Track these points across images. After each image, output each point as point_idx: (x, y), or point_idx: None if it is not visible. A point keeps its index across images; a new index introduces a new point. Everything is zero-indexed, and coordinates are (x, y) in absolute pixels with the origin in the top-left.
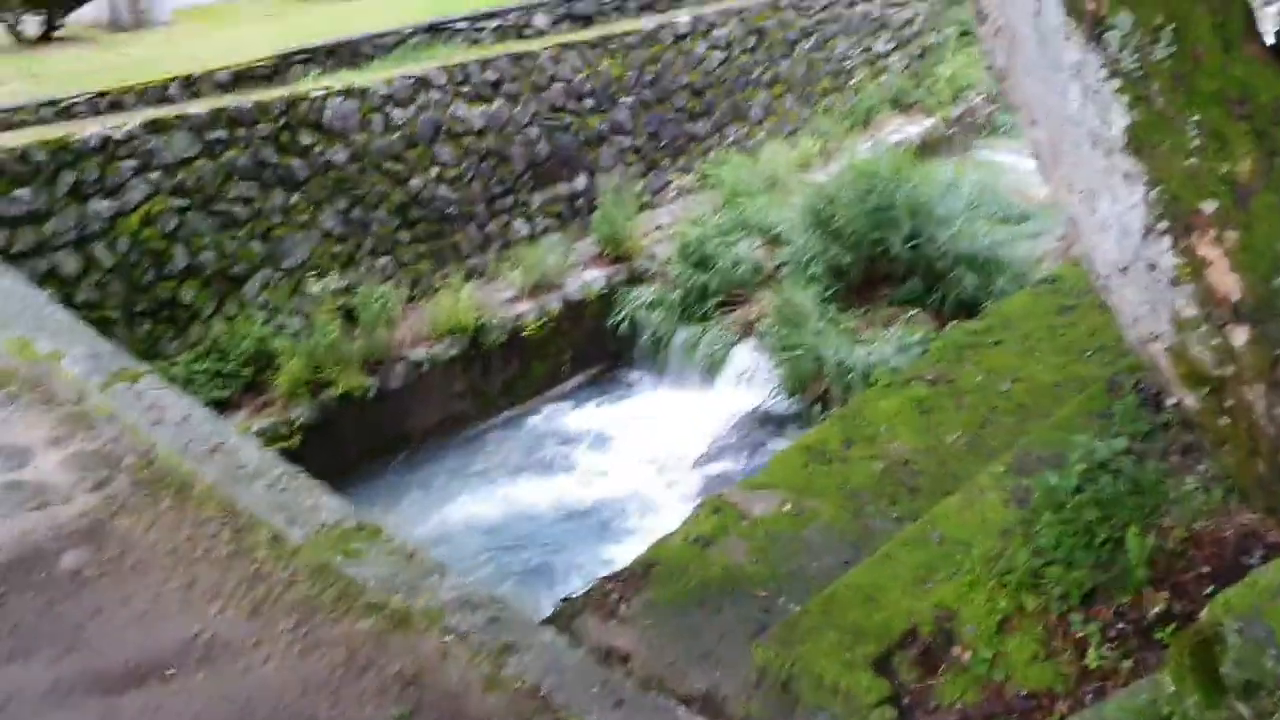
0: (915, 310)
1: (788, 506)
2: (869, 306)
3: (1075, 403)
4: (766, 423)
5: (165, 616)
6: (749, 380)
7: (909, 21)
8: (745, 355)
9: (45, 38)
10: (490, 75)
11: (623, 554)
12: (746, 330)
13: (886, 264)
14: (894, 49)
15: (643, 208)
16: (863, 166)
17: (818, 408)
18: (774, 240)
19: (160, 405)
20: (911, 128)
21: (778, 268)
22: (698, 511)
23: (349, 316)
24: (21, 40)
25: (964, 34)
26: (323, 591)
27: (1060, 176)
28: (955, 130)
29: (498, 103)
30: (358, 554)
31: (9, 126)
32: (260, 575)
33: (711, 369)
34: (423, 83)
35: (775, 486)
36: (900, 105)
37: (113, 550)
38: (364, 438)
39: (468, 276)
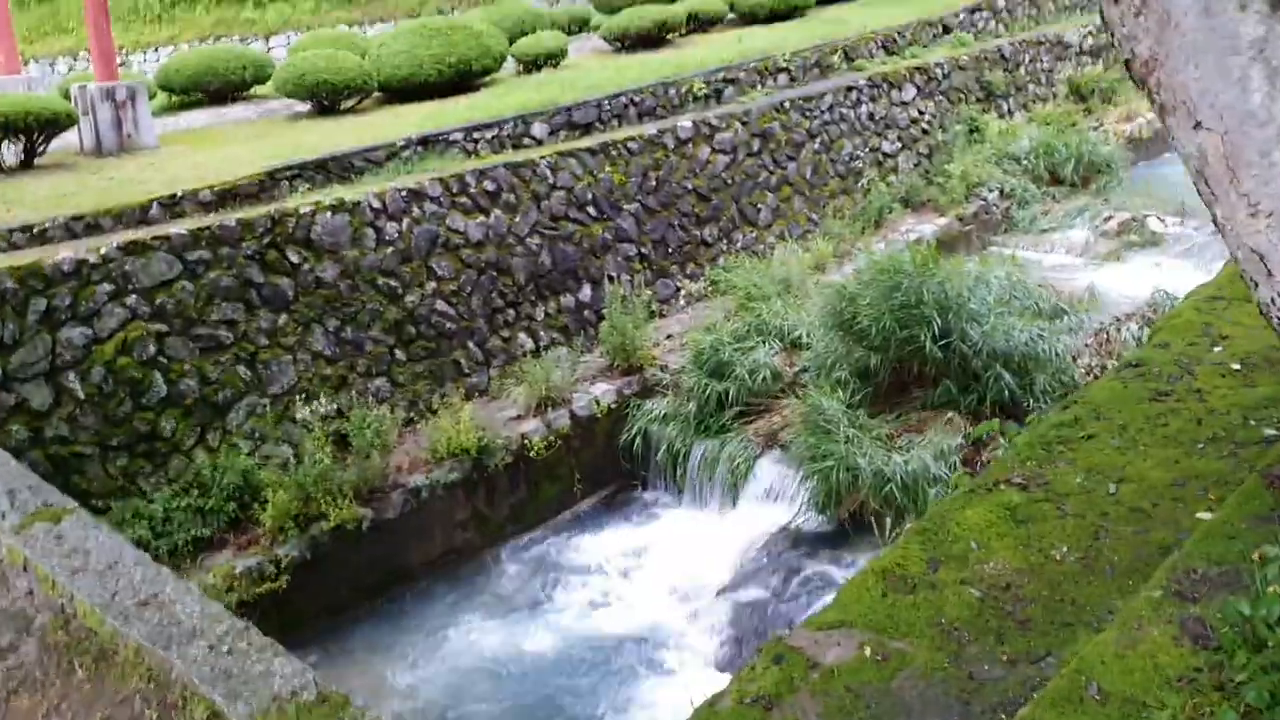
0: (951, 413)
1: (868, 651)
2: (900, 410)
3: (1230, 504)
4: (798, 543)
5: None
6: (775, 496)
7: (914, 120)
8: (769, 469)
9: (25, 165)
10: (488, 185)
11: (647, 696)
12: (770, 441)
13: (916, 365)
14: (901, 148)
15: (652, 316)
16: (885, 263)
17: (854, 524)
18: (793, 345)
19: (84, 550)
20: (925, 226)
21: (798, 374)
22: (755, 661)
23: (341, 443)
24: (1, 169)
25: (972, 131)
26: None
27: (1239, 196)
28: (971, 227)
29: (496, 213)
30: None
31: None
32: None
33: (733, 485)
34: (417, 195)
35: (850, 625)
36: (911, 204)
37: None
38: (358, 574)
39: (468, 395)
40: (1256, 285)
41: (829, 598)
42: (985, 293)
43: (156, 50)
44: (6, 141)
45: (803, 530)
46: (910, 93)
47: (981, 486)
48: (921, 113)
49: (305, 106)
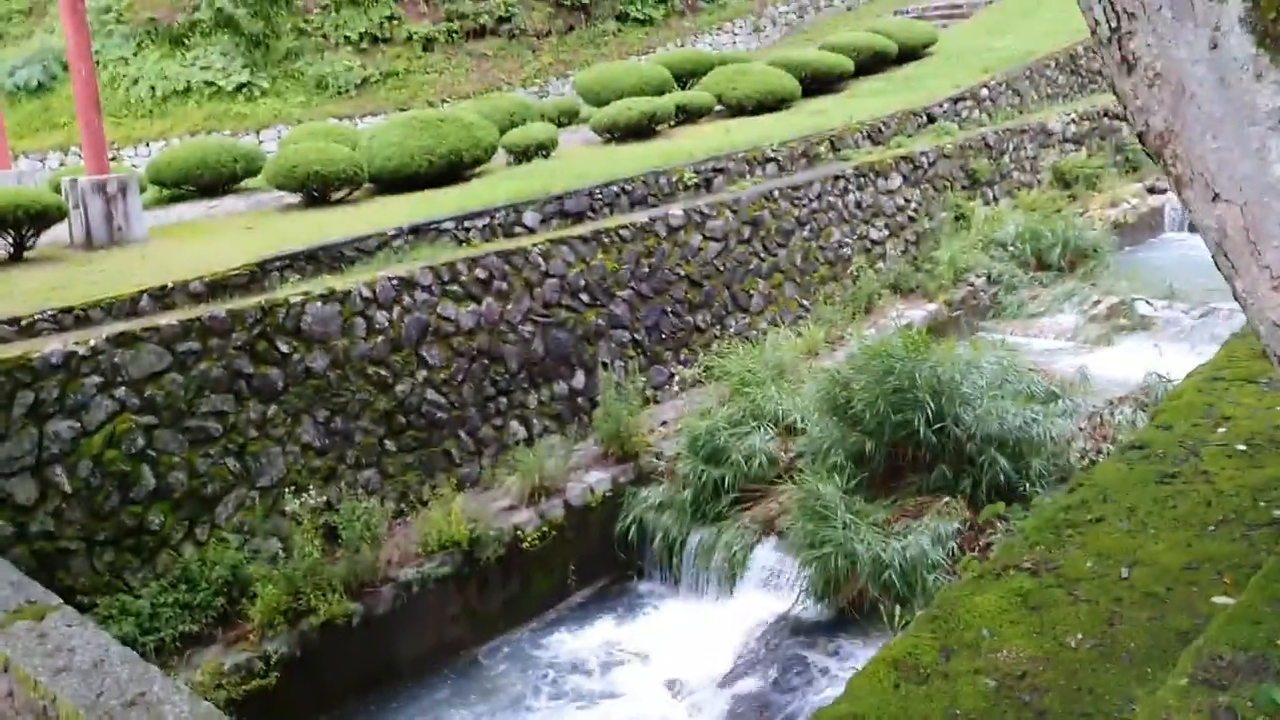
0: (947, 498)
1: None
2: (896, 495)
3: (1252, 587)
4: (797, 631)
5: None
6: (773, 584)
7: (901, 208)
8: (767, 556)
9: (14, 258)
10: (479, 273)
11: None
12: (767, 528)
13: (911, 449)
14: (889, 235)
15: (646, 403)
16: (878, 347)
17: (854, 611)
18: (788, 430)
19: (68, 648)
20: (914, 312)
21: (794, 459)
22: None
23: (331, 535)
24: None
25: (958, 218)
26: None
27: (1260, 268)
28: (960, 313)
29: (488, 301)
30: None
31: None
32: None
33: (731, 573)
34: (407, 283)
35: (863, 717)
36: (900, 290)
37: None
38: (348, 670)
39: (460, 486)
40: (1279, 359)
41: (830, 689)
42: (978, 376)
43: (148, 145)
44: None
45: (801, 619)
46: (896, 181)
47: (990, 572)
48: (908, 200)
49: (296, 198)
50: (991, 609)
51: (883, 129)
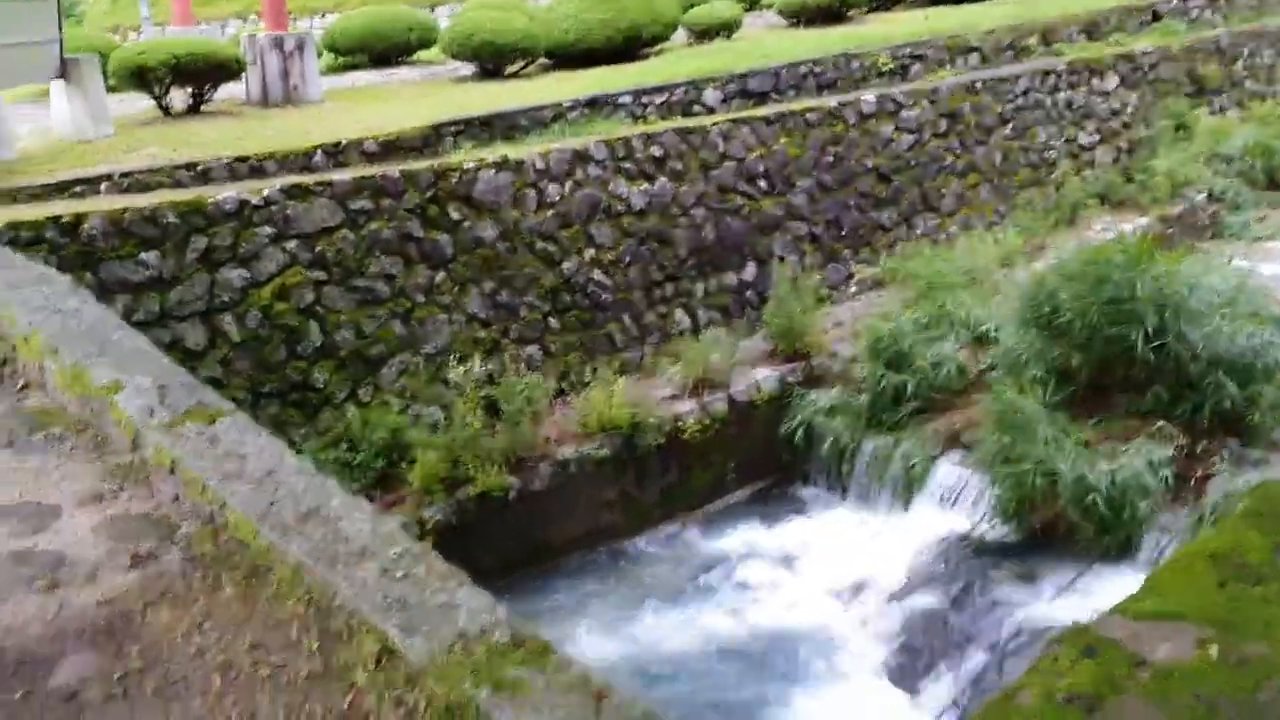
0: (1160, 423)
1: (1214, 651)
2: (1101, 416)
3: None
4: (981, 551)
5: None
6: (954, 501)
7: (1116, 112)
8: (949, 471)
9: (193, 110)
10: (655, 151)
11: (809, 702)
12: (951, 441)
13: (1123, 367)
14: (1100, 141)
15: (820, 301)
16: (1094, 253)
17: (1045, 536)
18: (978, 340)
19: (240, 454)
20: (1124, 225)
21: (984, 371)
22: (1055, 651)
23: (491, 409)
24: (169, 113)
25: (1179, 128)
26: None
27: None
28: (1174, 230)
29: (661, 181)
30: (516, 687)
31: (143, 188)
32: (356, 715)
33: (907, 486)
34: (581, 156)
35: (1181, 617)
36: (1109, 201)
37: (134, 661)
38: (501, 545)
39: (621, 370)
40: None
41: (1020, 611)
42: (1206, 293)
43: (324, 16)
44: (175, 87)
45: (986, 538)
46: (1113, 82)
47: None
48: (1124, 104)
49: (469, 70)
50: None
51: (1101, 24)
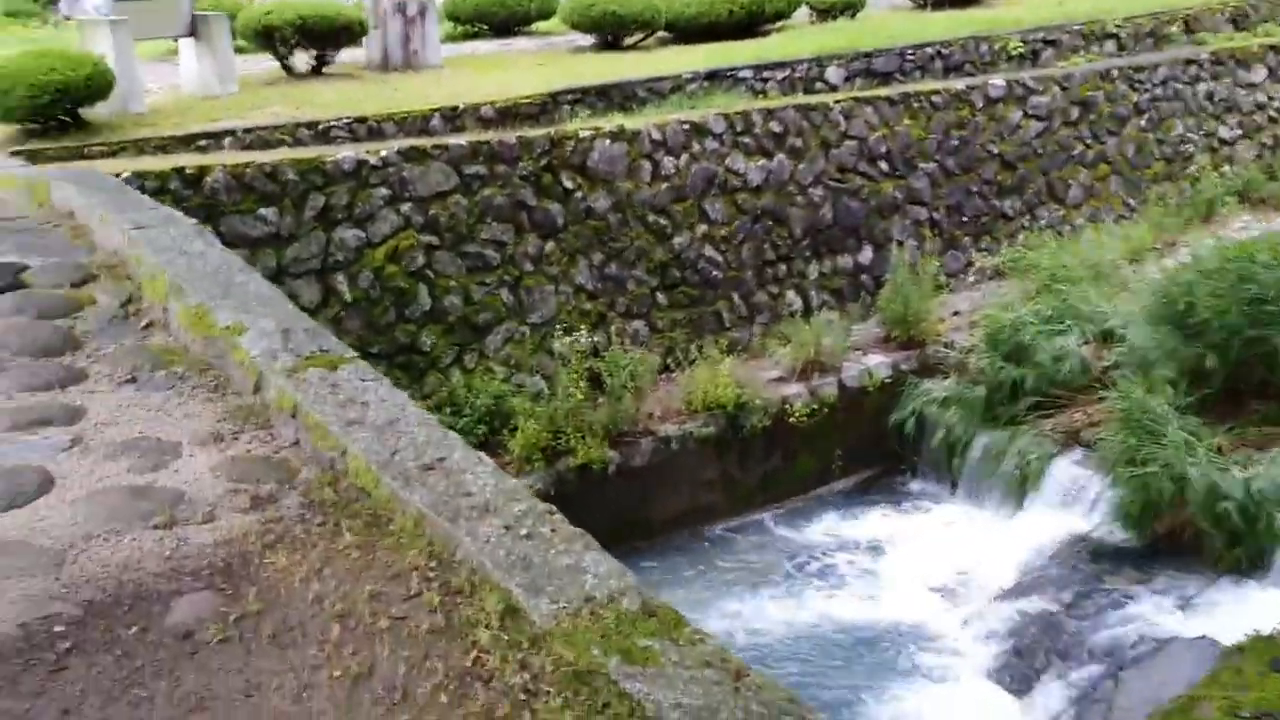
0: None
1: None
2: (1235, 422)
3: None
4: (1099, 556)
5: None
6: (1072, 501)
7: (1261, 106)
8: (1068, 470)
9: (315, 72)
10: (774, 126)
11: (910, 701)
12: (1070, 439)
13: (1262, 371)
14: (1242, 135)
15: (938, 288)
16: (1236, 250)
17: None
18: (1103, 336)
19: (362, 401)
20: (1265, 225)
21: (1107, 369)
22: (1236, 663)
23: (594, 381)
24: (292, 74)
25: None
26: (588, 717)
27: None
28: None
29: (780, 157)
30: (647, 657)
31: (264, 145)
32: (479, 674)
33: (1021, 484)
34: (698, 129)
35: None
36: (1248, 199)
37: (251, 604)
38: (598, 519)
39: (728, 350)
40: None
41: (1140, 623)
42: None
43: None
44: (299, 48)
45: (1105, 542)
46: (1260, 74)
47: None
48: (1271, 97)
49: (588, 41)
50: None
51: (1250, 12)
